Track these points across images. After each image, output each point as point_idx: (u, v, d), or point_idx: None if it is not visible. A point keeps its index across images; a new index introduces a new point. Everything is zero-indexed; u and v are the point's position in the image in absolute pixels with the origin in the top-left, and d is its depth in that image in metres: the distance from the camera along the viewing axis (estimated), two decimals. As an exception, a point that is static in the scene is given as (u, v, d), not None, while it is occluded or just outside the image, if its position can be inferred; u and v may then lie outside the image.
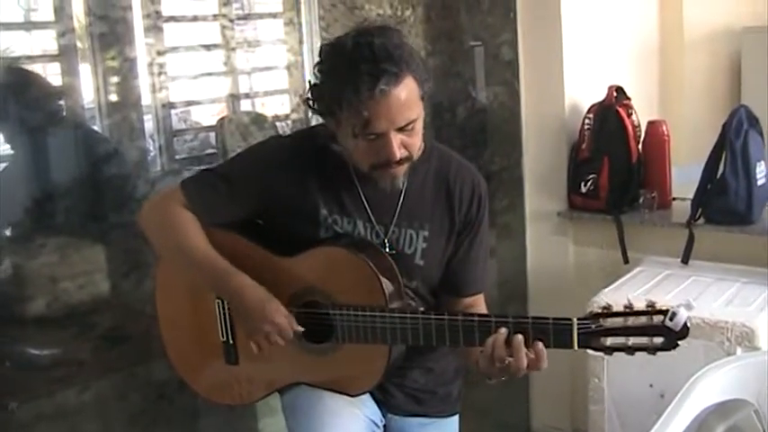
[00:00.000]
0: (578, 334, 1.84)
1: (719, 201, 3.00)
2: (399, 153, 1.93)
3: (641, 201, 3.24)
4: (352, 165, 2.06)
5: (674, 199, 3.29)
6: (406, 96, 1.89)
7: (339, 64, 1.90)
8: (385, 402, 2.20)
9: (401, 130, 1.91)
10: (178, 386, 2.29)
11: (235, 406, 2.30)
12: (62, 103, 3.01)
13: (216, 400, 2.28)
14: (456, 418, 2.33)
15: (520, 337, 1.85)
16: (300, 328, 2.01)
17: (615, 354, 1.86)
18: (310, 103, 2.00)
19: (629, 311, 1.82)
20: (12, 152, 2.87)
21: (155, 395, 3.00)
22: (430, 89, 1.98)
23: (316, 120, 2.15)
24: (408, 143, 1.95)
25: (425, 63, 1.99)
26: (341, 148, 2.05)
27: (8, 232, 2.84)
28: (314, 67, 1.99)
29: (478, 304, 2.20)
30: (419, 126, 1.96)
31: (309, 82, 2.01)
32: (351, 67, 1.86)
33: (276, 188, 2.08)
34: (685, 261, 3.06)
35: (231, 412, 2.84)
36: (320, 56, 1.98)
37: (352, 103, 1.86)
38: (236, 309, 2.08)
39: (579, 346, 1.85)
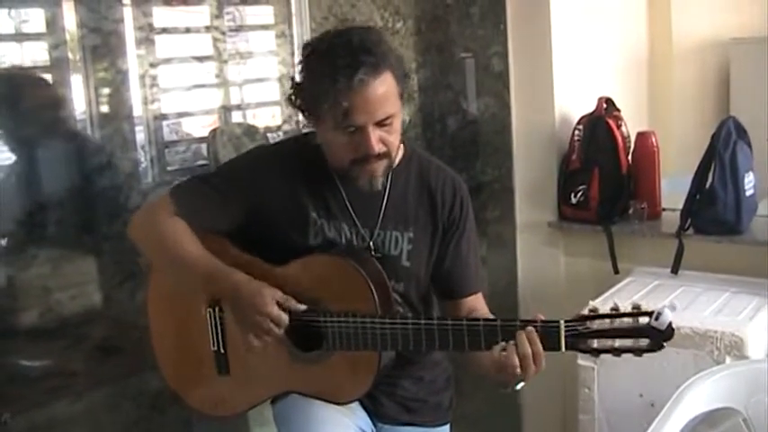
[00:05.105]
0: (566, 336, 1.86)
1: (708, 211, 3.01)
2: (377, 147, 1.97)
3: (631, 211, 3.25)
4: (334, 166, 2.09)
5: (663, 209, 3.29)
6: (385, 90, 1.94)
7: (319, 58, 1.96)
8: (375, 411, 2.21)
9: (380, 125, 1.96)
10: (171, 397, 2.29)
11: (226, 418, 2.30)
12: (58, 113, 3.01)
13: (207, 412, 2.27)
14: (447, 427, 2.33)
15: (523, 337, 1.87)
16: (302, 307, 2.00)
17: (603, 357, 1.88)
18: (292, 99, 2.05)
19: (616, 313, 1.86)
20: (9, 162, 2.87)
21: (147, 405, 3.00)
22: (408, 88, 2.04)
23: (307, 130, 2.17)
24: (386, 139, 1.99)
25: (403, 64, 2.05)
26: (324, 149, 2.09)
27: (3, 242, 2.84)
28: (296, 66, 2.06)
29: (479, 306, 2.22)
30: (397, 123, 2.01)
31: (292, 79, 2.06)
32: (330, 61, 1.91)
33: (266, 192, 2.11)
34: (675, 271, 3.07)
35: (224, 423, 2.84)
36: (302, 54, 2.04)
37: (331, 95, 1.90)
38: (233, 303, 2.06)
39: (567, 349, 1.87)
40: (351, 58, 1.90)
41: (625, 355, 1.88)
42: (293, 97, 2.05)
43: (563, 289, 3.41)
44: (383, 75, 1.93)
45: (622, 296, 2.95)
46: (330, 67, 1.90)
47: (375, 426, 2.22)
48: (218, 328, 2.15)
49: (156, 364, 2.28)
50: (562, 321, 1.87)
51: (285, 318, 1.99)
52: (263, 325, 1.98)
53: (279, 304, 1.99)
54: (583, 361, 2.79)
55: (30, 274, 2.82)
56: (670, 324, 1.81)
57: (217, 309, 2.13)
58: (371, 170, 2.02)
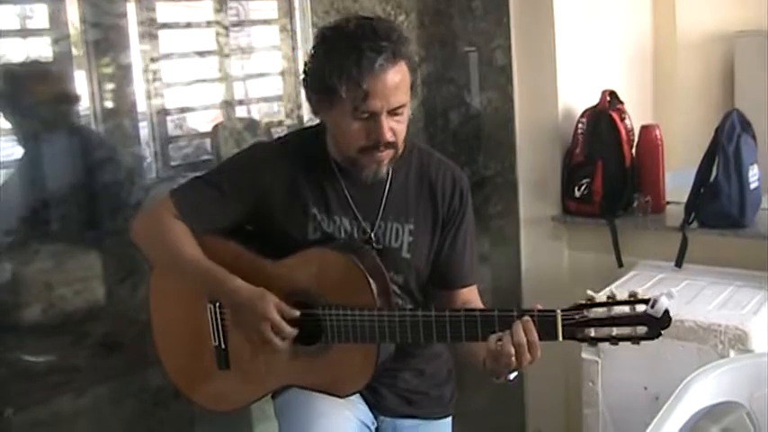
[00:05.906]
0: (563, 325, 1.86)
1: (712, 205, 3.00)
2: (388, 136, 1.99)
3: (635, 205, 3.25)
4: (339, 155, 2.10)
5: (667, 203, 3.29)
6: (401, 79, 1.98)
7: (342, 41, 1.97)
8: (376, 404, 2.22)
9: (392, 113, 1.99)
10: (174, 392, 2.30)
11: (228, 413, 2.31)
12: (62, 108, 3.01)
13: (209, 407, 2.28)
14: (449, 420, 2.34)
15: (519, 326, 1.87)
16: (296, 313, 2.02)
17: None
18: (307, 81, 2.05)
19: (612, 301, 1.86)
20: (12, 158, 2.87)
21: (150, 401, 3.00)
22: (416, 81, 2.09)
23: (309, 125, 2.18)
24: (396, 129, 2.01)
25: (413, 57, 2.09)
26: (331, 137, 2.11)
27: (6, 238, 2.84)
28: (311, 50, 2.06)
29: (473, 298, 2.23)
30: (406, 115, 2.04)
31: (305, 63, 2.07)
32: (353, 43, 1.94)
33: (266, 189, 2.12)
34: (679, 265, 3.07)
35: (226, 418, 2.84)
36: (318, 38, 2.05)
37: (353, 77, 1.93)
38: (232, 310, 2.09)
39: (564, 338, 1.87)
40: (374, 42, 1.93)
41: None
42: (308, 79, 2.05)
43: (567, 283, 3.41)
44: (400, 63, 1.98)
45: (626, 290, 2.94)
46: (354, 48, 1.93)
47: (376, 419, 2.23)
48: (219, 323, 2.16)
49: (158, 360, 2.28)
50: (559, 310, 1.88)
51: (288, 329, 2.01)
52: (266, 333, 2.00)
53: (279, 311, 2.01)
54: (586, 355, 2.79)
55: (32, 270, 2.82)
56: (667, 311, 1.81)
57: (217, 305, 2.14)
58: (379, 159, 2.04)
